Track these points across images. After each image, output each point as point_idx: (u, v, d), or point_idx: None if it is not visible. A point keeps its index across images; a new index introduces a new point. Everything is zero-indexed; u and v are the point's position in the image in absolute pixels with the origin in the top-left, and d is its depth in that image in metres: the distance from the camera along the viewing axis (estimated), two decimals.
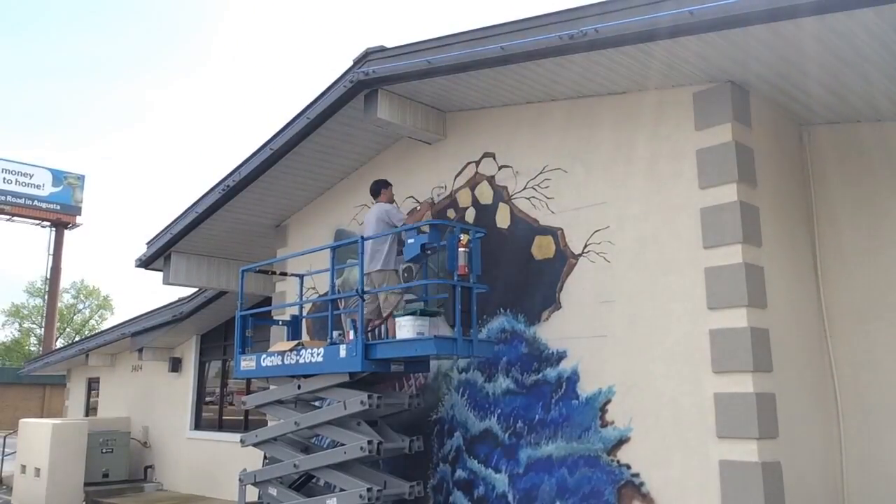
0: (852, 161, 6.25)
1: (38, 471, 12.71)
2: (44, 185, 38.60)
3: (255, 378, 8.77)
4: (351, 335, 6.85)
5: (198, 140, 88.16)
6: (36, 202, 38.22)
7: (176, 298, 13.76)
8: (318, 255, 8.20)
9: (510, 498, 6.59)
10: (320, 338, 8.19)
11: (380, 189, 7.66)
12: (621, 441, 5.90)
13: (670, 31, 5.06)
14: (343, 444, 6.74)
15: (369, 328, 7.07)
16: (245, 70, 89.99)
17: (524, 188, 7.02)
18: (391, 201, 7.74)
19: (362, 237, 6.96)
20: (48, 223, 39.32)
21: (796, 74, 5.54)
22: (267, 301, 10.84)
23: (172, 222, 10.00)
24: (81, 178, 40.22)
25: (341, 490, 6.71)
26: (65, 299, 50.50)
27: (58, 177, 39.21)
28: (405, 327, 6.29)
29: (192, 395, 14.15)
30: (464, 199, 7.60)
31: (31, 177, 38.22)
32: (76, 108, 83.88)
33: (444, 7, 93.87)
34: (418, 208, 7.94)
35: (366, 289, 6.86)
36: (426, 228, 6.79)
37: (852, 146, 6.26)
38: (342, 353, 6.61)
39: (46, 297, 41.22)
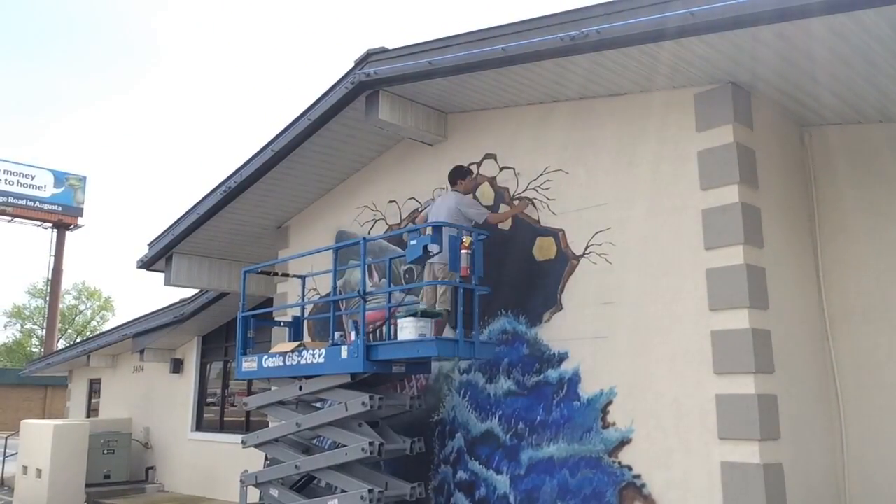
0: (854, 162, 6.24)
1: (39, 472, 12.71)
2: (45, 186, 38.66)
3: (257, 379, 8.77)
4: (352, 336, 6.85)
5: (200, 141, 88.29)
6: (37, 203, 38.28)
7: (177, 300, 13.79)
8: (320, 256, 8.20)
9: (511, 499, 6.59)
10: (322, 339, 8.19)
11: (457, 178, 7.14)
12: (623, 442, 5.90)
13: (672, 33, 5.06)
14: (344, 446, 6.74)
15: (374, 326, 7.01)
16: (247, 71, 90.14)
17: (526, 189, 7.02)
18: (469, 192, 7.23)
19: (364, 238, 6.96)
20: (50, 224, 39.36)
21: (798, 76, 5.54)
22: (269, 302, 10.85)
23: (174, 223, 10.01)
24: (83, 179, 40.29)
25: (342, 491, 6.70)
26: (66, 300, 50.52)
27: (59, 178, 39.27)
28: (407, 328, 6.28)
29: (193, 396, 14.16)
30: None
31: (32, 178, 38.28)
32: (79, 108, 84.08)
33: (446, 9, 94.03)
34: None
35: (374, 283, 6.83)
36: (429, 230, 6.79)
37: (854, 147, 6.26)
38: (344, 354, 6.61)
39: (48, 298, 41.29)
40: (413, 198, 8.18)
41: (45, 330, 41.53)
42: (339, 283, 7.52)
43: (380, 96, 7.26)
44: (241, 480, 7.66)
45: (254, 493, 7.67)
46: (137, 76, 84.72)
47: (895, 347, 5.84)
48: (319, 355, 6.85)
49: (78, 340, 38.47)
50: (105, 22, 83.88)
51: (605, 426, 6.03)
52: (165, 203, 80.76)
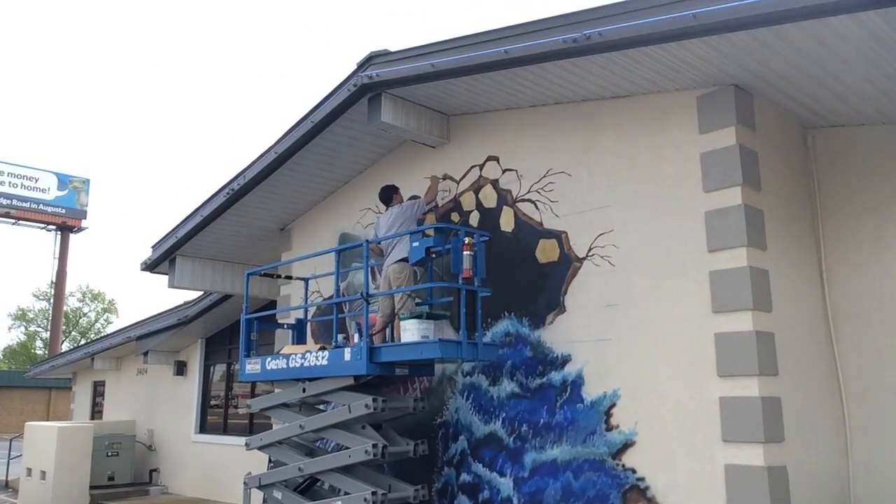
0: (857, 164, 6.24)
1: (43, 474, 12.74)
2: (49, 188, 38.69)
3: (260, 381, 8.77)
4: (356, 338, 6.85)
5: (204, 144, 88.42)
6: (41, 206, 38.29)
7: (181, 302, 13.80)
8: (323, 258, 8.20)
9: (515, 502, 6.58)
10: (325, 341, 8.19)
11: (391, 195, 7.67)
12: (626, 445, 5.89)
13: (675, 35, 5.06)
14: (348, 448, 6.74)
15: (375, 330, 7.06)
16: (251, 74, 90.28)
17: (528, 191, 7.02)
18: (401, 202, 7.68)
19: (366, 240, 6.97)
20: (53, 227, 39.39)
21: (800, 77, 5.53)
22: (272, 304, 10.85)
23: (178, 226, 10.03)
24: (87, 181, 40.31)
25: (346, 493, 6.71)
26: (70, 303, 50.66)
27: (63, 180, 39.30)
28: (410, 330, 6.29)
29: (197, 398, 14.18)
30: (468, 202, 7.60)
31: (36, 180, 38.30)
32: (80, 108, 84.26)
33: (448, 10, 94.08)
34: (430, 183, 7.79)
35: (377, 285, 6.87)
36: (431, 232, 6.80)
37: (856, 149, 6.26)
38: (347, 356, 6.62)
39: (52, 300, 41.36)
40: (415, 199, 8.18)
41: (49, 332, 41.61)
42: (342, 285, 7.53)
43: (382, 99, 7.26)
44: (244, 483, 7.67)
45: (257, 496, 7.68)
46: (141, 77, 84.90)
47: None
48: (323, 357, 6.86)
49: (82, 343, 38.56)
50: (105, 23, 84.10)
51: (609, 429, 6.02)
52: (169, 205, 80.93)
